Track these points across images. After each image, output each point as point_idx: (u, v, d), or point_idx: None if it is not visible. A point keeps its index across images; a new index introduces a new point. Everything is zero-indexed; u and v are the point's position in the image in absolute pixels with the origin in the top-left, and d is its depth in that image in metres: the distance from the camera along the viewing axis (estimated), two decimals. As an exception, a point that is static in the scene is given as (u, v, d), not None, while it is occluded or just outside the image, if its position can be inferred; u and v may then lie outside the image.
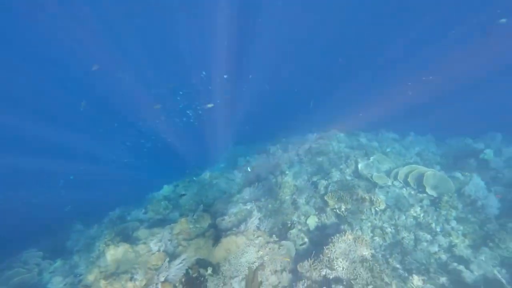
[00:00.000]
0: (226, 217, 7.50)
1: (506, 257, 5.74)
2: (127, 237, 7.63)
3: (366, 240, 5.52)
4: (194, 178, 11.75)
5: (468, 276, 5.24)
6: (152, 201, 10.76)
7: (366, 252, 5.30)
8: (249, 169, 10.24)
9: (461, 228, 6.53)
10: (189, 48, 23.78)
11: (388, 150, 10.33)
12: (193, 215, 7.77)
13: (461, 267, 5.44)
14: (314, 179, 8.66)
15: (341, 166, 8.81)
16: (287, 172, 9.41)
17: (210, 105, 15.79)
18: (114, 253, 6.20)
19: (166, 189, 11.90)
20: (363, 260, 5.16)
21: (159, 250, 6.39)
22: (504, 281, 4.87)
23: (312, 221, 7.11)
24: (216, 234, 6.82)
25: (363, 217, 6.82)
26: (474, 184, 7.21)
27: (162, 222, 8.70)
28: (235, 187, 10.52)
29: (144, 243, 6.72)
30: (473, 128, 11.55)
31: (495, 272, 5.23)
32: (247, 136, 18.35)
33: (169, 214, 9.85)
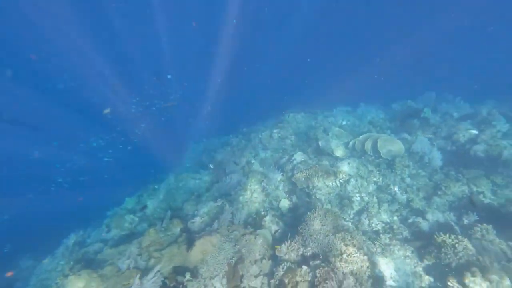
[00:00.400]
0: (197, 218, 7.20)
1: (452, 201, 6.51)
2: (90, 262, 6.89)
3: (335, 213, 5.74)
4: (155, 186, 11.03)
5: (425, 225, 5.82)
6: (115, 217, 9.90)
7: (337, 224, 5.53)
8: (211, 166, 9.93)
9: (415, 183, 7.19)
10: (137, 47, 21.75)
11: (343, 123, 10.87)
12: (162, 223, 7.29)
13: (419, 219, 6.02)
14: (280, 162, 8.74)
15: (303, 146, 9.01)
16: (253, 161, 9.34)
17: (170, 104, 14.95)
18: (75, 283, 5.53)
19: (129, 202, 11.01)
20: (335, 231, 5.37)
21: (128, 268, 5.89)
22: (453, 223, 5.51)
23: (284, 204, 7.19)
24: (190, 238, 6.50)
25: (330, 191, 7.10)
26: (420, 142, 7.96)
27: (129, 238, 8.04)
28: (203, 185, 10.16)
29: (111, 263, 6.14)
30: (412, 89, 12.81)
31: (446, 216, 5.88)
32: (209, 132, 17.82)
33: (136, 227, 9.14)
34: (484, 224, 5.07)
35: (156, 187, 11.34)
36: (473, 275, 4.16)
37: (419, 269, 4.95)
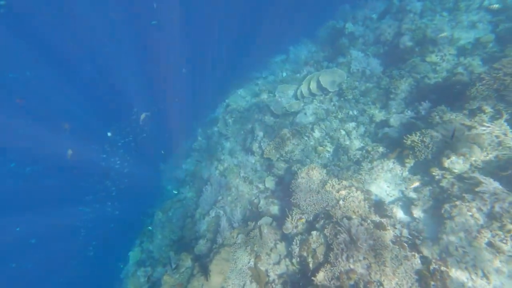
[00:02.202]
0: (201, 241, 6.95)
1: (405, 97, 6.79)
2: None
3: (315, 167, 5.74)
4: (149, 228, 10.49)
5: (393, 132, 6.05)
6: (128, 278, 9.46)
7: (321, 176, 5.56)
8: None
9: (368, 98, 7.37)
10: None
11: (284, 75, 10.64)
12: (171, 265, 6.99)
13: (386, 129, 6.24)
14: (247, 145, 8.49)
15: (259, 117, 8.75)
16: (222, 157, 8.98)
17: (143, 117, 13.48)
18: None
19: (134, 256, 10.51)
20: (323, 184, 5.41)
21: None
22: (413, 119, 5.77)
23: (270, 182, 7.11)
24: (203, 264, 6.31)
25: (302, 147, 7.09)
26: (355, 59, 8.01)
27: (150, 292, 7.74)
28: (191, 203, 9.76)
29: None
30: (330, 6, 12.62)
31: (405, 115, 6.14)
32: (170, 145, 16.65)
33: (153, 274, 8.84)
34: (438, 106, 5.35)
35: (150, 228, 10.82)
36: (448, 157, 4.43)
37: (406, 173, 5.22)
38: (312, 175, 5.58)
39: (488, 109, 4.63)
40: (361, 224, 4.12)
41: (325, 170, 5.85)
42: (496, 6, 6.47)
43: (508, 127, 4.36)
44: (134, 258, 10.44)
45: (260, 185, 7.18)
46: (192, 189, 10.38)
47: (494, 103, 4.59)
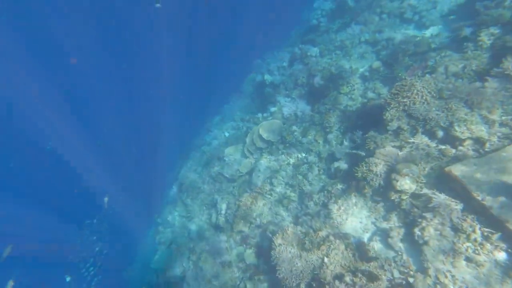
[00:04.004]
0: None
1: (338, 128, 7.40)
2: None
3: (287, 228, 5.53)
4: None
5: (342, 164, 6.37)
6: None
7: (296, 235, 5.35)
8: None
9: (310, 137, 7.80)
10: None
11: (226, 134, 10.81)
12: None
13: (335, 163, 6.56)
14: (213, 222, 7.92)
15: (215, 188, 8.43)
16: (191, 245, 8.11)
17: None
18: None
19: None
20: (301, 245, 5.18)
21: None
22: (353, 149, 6.22)
23: (250, 257, 6.56)
24: None
25: (270, 205, 6.91)
26: (284, 105, 8.67)
27: None
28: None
29: None
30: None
31: (346, 146, 6.61)
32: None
33: None
34: (369, 132, 5.90)
35: None
36: (396, 180, 4.74)
37: (369, 203, 5.38)
38: (287, 238, 5.33)
39: (405, 126, 5.28)
40: (353, 283, 3.92)
41: (298, 226, 5.69)
42: (377, 64, 7.81)
43: (426, 138, 4.98)
44: None
45: (241, 264, 6.56)
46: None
47: (408, 120, 5.26)
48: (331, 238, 4.96)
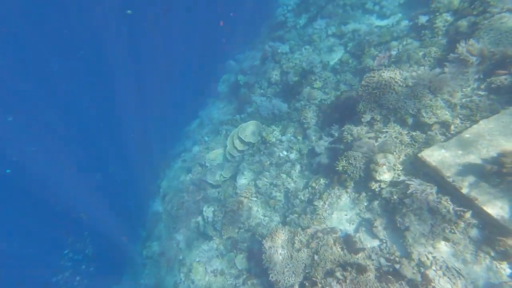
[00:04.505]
0: None
1: (315, 123, 7.51)
2: None
3: (276, 230, 5.55)
4: None
5: (323, 159, 6.48)
6: None
7: (285, 235, 5.39)
8: None
9: (289, 135, 7.86)
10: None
11: (206, 139, 10.59)
12: None
13: (317, 158, 6.66)
14: (201, 230, 7.78)
15: (200, 195, 8.26)
16: (180, 256, 7.91)
17: None
18: None
19: None
20: (291, 245, 5.22)
21: None
22: (332, 144, 6.33)
23: (241, 262, 6.52)
24: None
25: (257, 208, 6.89)
26: (261, 104, 8.63)
27: None
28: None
29: None
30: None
31: (326, 141, 6.72)
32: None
33: None
34: (345, 125, 6.02)
35: None
36: (375, 170, 4.90)
37: (353, 195, 5.53)
38: (277, 240, 5.34)
39: (378, 117, 5.46)
40: (344, 277, 4.01)
41: (287, 226, 5.73)
42: (346, 56, 7.91)
43: (398, 126, 5.19)
44: None
45: (233, 270, 6.50)
46: None
47: (379, 111, 5.44)
48: (320, 234, 5.04)
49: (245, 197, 6.94)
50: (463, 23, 5.49)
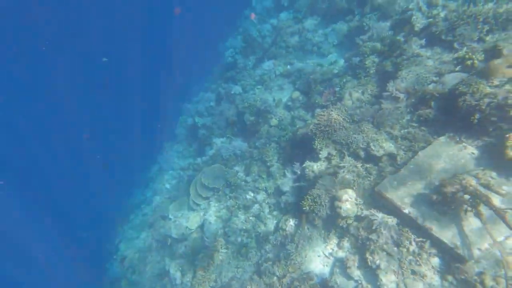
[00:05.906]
0: None
1: (277, 159, 7.62)
2: None
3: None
4: None
5: (289, 197, 6.48)
6: None
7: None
8: None
9: (253, 174, 7.78)
10: None
11: (168, 186, 9.94)
12: None
13: (283, 197, 6.63)
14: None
15: (165, 253, 7.47)
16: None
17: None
18: None
19: None
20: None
21: None
22: (296, 182, 6.41)
23: None
24: None
25: (229, 260, 6.43)
26: (221, 146, 8.51)
27: None
28: None
29: None
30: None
31: (290, 178, 6.79)
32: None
33: None
34: (306, 162, 6.18)
35: None
36: (338, 207, 5.00)
37: (322, 232, 5.52)
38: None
39: (333, 152, 5.75)
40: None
41: (262, 277, 5.39)
42: (296, 94, 8.52)
43: (352, 159, 5.50)
44: None
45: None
46: None
47: (334, 146, 5.75)
48: (296, 283, 4.82)
49: (215, 251, 6.45)
50: (388, 64, 6.33)
